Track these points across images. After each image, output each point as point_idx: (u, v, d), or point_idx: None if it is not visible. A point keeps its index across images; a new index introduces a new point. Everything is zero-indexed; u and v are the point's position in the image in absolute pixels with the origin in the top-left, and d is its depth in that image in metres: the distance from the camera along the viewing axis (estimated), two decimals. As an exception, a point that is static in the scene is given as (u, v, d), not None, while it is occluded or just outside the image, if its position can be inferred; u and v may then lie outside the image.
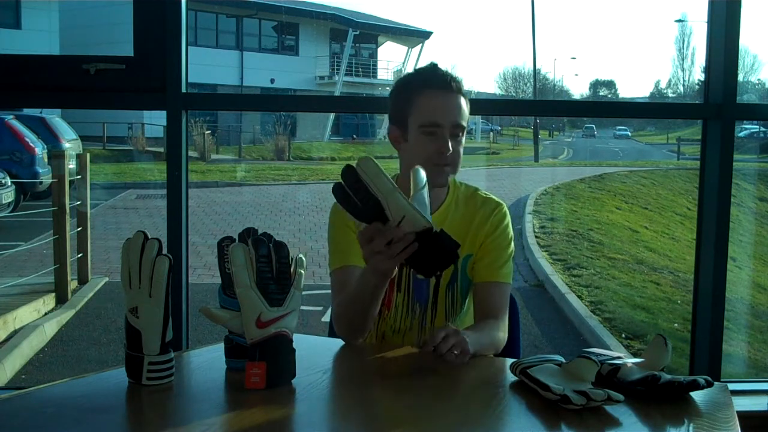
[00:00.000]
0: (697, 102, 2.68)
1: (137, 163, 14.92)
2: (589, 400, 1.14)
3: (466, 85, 1.65)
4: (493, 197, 1.73)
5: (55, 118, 10.72)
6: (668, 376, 1.23)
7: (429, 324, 1.68)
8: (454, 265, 1.66)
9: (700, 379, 1.22)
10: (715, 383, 1.27)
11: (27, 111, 10.12)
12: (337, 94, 18.31)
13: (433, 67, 1.65)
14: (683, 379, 1.22)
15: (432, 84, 1.60)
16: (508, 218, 1.71)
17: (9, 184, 7.79)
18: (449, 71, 1.63)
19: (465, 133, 1.64)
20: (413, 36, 21.96)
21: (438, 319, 1.68)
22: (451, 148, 1.59)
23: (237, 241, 1.29)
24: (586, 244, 8.43)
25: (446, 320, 1.68)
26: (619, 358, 1.32)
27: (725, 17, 2.17)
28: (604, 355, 1.32)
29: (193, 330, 2.25)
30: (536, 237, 8.56)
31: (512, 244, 1.71)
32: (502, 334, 1.62)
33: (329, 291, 1.70)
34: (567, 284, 6.68)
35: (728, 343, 5.01)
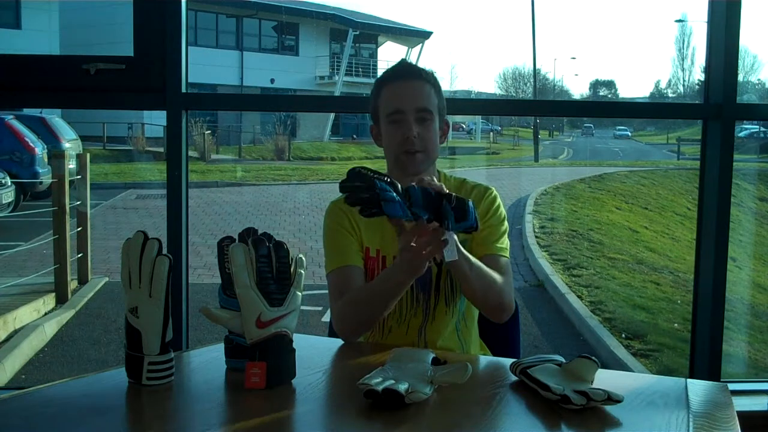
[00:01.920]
0: (697, 102, 2.68)
1: (137, 163, 14.92)
2: (589, 400, 1.14)
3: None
4: (482, 184, 1.75)
5: (55, 118, 10.72)
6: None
7: (431, 310, 1.69)
8: None
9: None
10: (715, 383, 1.27)
11: (27, 111, 10.12)
12: (337, 94, 18.30)
13: (400, 61, 1.73)
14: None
15: (395, 74, 1.67)
16: (499, 200, 1.74)
17: (9, 184, 7.80)
18: (415, 64, 1.72)
19: (437, 120, 1.66)
20: (413, 36, 21.94)
21: (440, 306, 1.69)
22: (416, 132, 1.60)
23: (237, 241, 1.29)
24: (586, 244, 8.43)
25: (446, 306, 1.69)
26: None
27: (725, 17, 2.17)
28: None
29: (193, 330, 2.25)
30: (536, 237, 8.56)
31: (506, 222, 1.73)
32: (504, 280, 1.62)
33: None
34: (567, 284, 6.68)
35: (728, 343, 5.01)
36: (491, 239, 1.68)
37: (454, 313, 1.71)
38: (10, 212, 7.76)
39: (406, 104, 1.62)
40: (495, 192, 1.74)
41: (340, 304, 1.63)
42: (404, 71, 1.67)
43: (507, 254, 1.69)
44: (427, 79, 1.66)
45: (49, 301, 5.51)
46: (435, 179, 1.62)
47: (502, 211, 1.74)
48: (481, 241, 1.67)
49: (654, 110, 2.81)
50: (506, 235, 1.72)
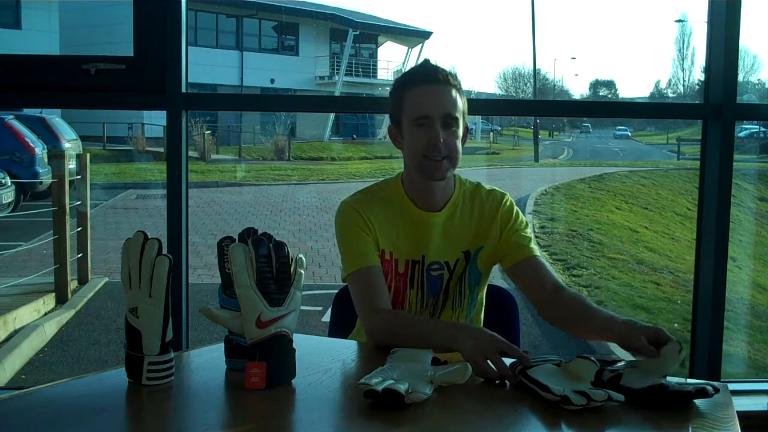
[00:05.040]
0: (697, 102, 2.68)
1: (137, 163, 14.91)
2: (589, 401, 1.14)
3: (466, 86, 1.67)
4: (496, 189, 1.75)
5: (55, 118, 10.71)
6: (675, 384, 1.22)
7: (438, 314, 1.69)
8: (466, 258, 1.69)
9: (708, 387, 1.20)
10: (715, 383, 1.27)
11: (27, 111, 10.11)
12: (337, 94, 18.29)
13: (424, 62, 1.69)
14: (692, 388, 1.20)
15: (421, 77, 1.63)
16: (515, 205, 1.76)
17: (9, 184, 7.80)
18: (440, 65, 1.65)
19: (461, 126, 1.64)
20: (413, 36, 21.92)
21: (446, 310, 1.70)
22: (442, 139, 1.59)
23: (237, 241, 1.29)
24: (586, 244, 8.43)
25: (452, 311, 1.69)
26: (615, 362, 1.31)
27: (725, 17, 2.17)
28: (602, 360, 1.31)
29: (193, 330, 2.25)
30: (536, 237, 8.56)
31: (526, 220, 1.76)
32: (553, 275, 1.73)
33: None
34: (567, 284, 6.66)
35: (728, 343, 5.00)
36: (524, 242, 1.70)
37: (460, 318, 1.70)
38: (10, 212, 7.77)
39: (433, 110, 1.59)
40: (510, 198, 1.75)
41: (378, 320, 1.55)
42: (431, 75, 1.62)
43: (539, 252, 1.74)
44: (454, 83, 1.62)
45: (49, 301, 5.51)
46: (451, 183, 1.67)
47: (522, 215, 1.76)
48: (515, 246, 1.69)
49: (654, 110, 2.81)
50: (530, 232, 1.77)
